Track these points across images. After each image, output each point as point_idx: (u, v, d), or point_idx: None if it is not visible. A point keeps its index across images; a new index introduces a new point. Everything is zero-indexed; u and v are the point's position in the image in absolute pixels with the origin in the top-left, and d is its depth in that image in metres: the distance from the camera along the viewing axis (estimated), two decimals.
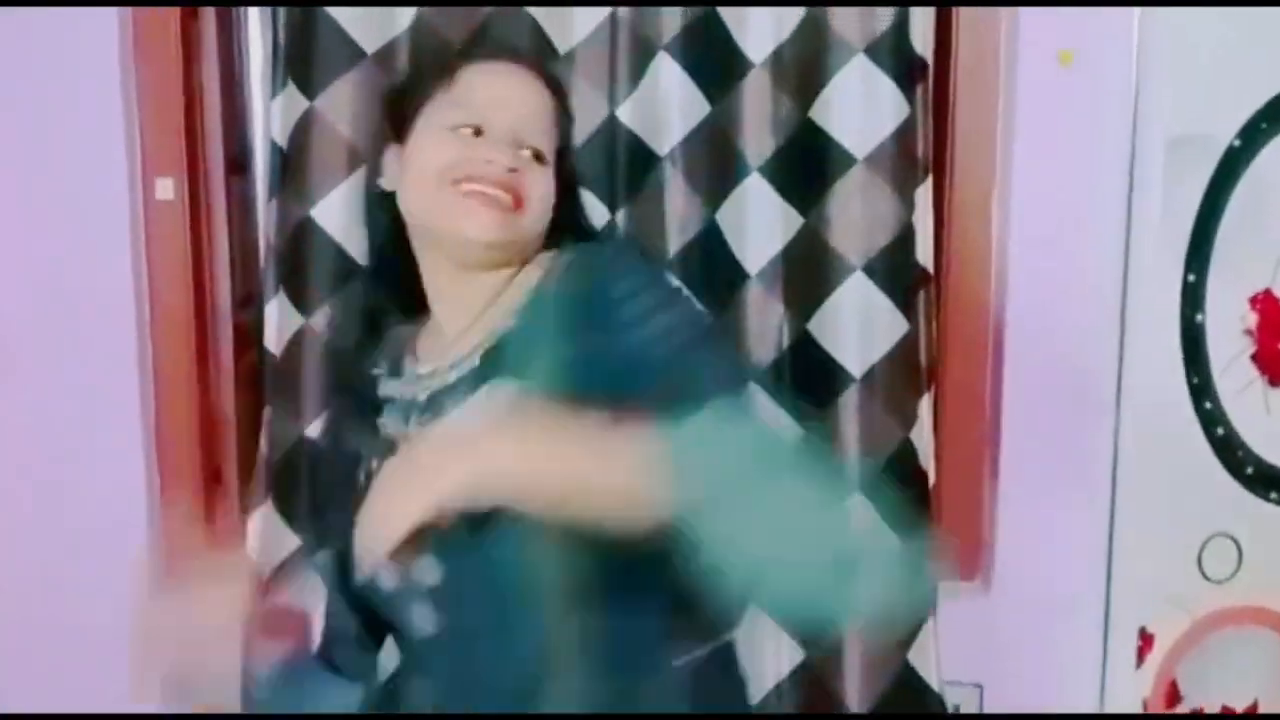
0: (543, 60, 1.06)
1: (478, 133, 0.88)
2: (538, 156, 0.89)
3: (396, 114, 0.93)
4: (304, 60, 1.43)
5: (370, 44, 1.43)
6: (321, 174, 1.43)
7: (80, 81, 1.50)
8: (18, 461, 1.57)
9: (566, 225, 0.93)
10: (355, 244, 1.43)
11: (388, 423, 0.90)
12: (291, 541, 1.47)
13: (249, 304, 1.68)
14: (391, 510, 0.72)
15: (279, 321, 1.47)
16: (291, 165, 1.45)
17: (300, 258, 1.45)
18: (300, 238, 1.44)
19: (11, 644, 1.60)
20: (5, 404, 1.56)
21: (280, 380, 1.47)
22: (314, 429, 1.44)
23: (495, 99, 0.90)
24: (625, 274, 0.85)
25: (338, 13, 1.41)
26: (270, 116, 1.47)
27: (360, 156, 1.41)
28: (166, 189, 1.52)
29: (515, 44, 1.15)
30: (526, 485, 0.72)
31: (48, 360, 1.55)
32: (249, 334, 1.65)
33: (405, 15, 1.43)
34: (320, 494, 1.01)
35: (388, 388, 0.92)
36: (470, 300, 0.90)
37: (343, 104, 1.42)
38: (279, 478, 1.47)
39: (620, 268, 0.87)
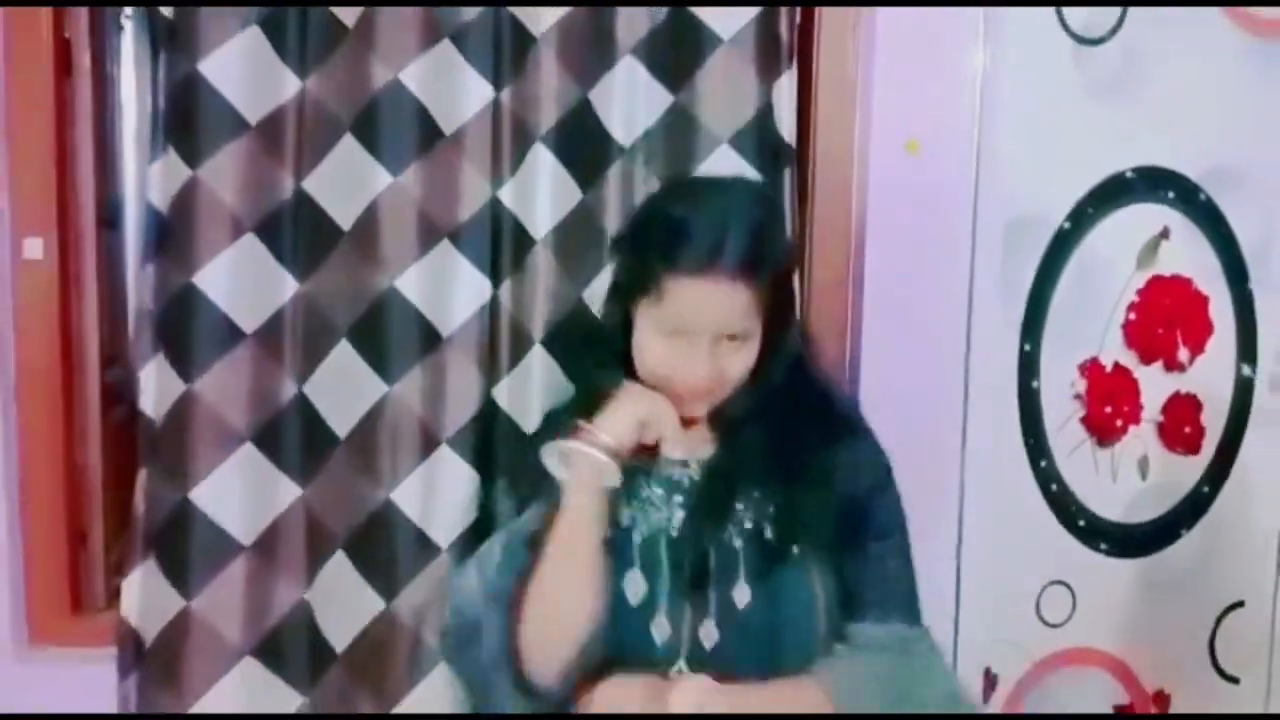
0: (745, 255, 1.10)
1: (687, 332, 1.11)
2: (734, 337, 1.13)
3: (624, 292, 1.18)
4: (186, 127, 1.53)
5: (253, 114, 1.55)
6: (204, 242, 1.54)
7: None
8: None
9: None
10: (239, 311, 1.56)
11: (653, 496, 1.16)
12: (174, 602, 1.57)
13: (114, 364, 1.77)
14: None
15: (157, 385, 1.57)
16: (173, 231, 1.55)
17: (182, 323, 1.55)
18: (182, 303, 1.55)
19: None
20: None
21: (160, 443, 1.57)
22: (198, 492, 1.55)
23: (697, 309, 1.10)
24: (891, 486, 1.22)
25: (219, 81, 1.53)
26: (149, 180, 1.57)
27: (244, 225, 1.55)
28: (35, 249, 1.61)
29: (714, 250, 1.11)
30: None
31: None
32: (115, 394, 1.74)
33: (289, 86, 1.56)
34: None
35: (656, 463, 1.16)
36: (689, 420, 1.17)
37: (226, 173, 1.53)
38: (162, 539, 1.56)
39: (889, 480, 1.22)
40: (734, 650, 1.10)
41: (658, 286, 1.11)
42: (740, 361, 1.14)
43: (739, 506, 1.14)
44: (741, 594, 1.10)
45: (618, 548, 1.11)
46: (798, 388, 1.20)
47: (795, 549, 1.13)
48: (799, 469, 1.15)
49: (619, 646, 1.09)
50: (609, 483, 1.09)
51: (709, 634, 1.09)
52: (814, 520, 1.14)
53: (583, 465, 1.09)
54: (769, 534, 1.13)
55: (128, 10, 1.76)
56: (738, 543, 1.12)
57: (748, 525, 1.14)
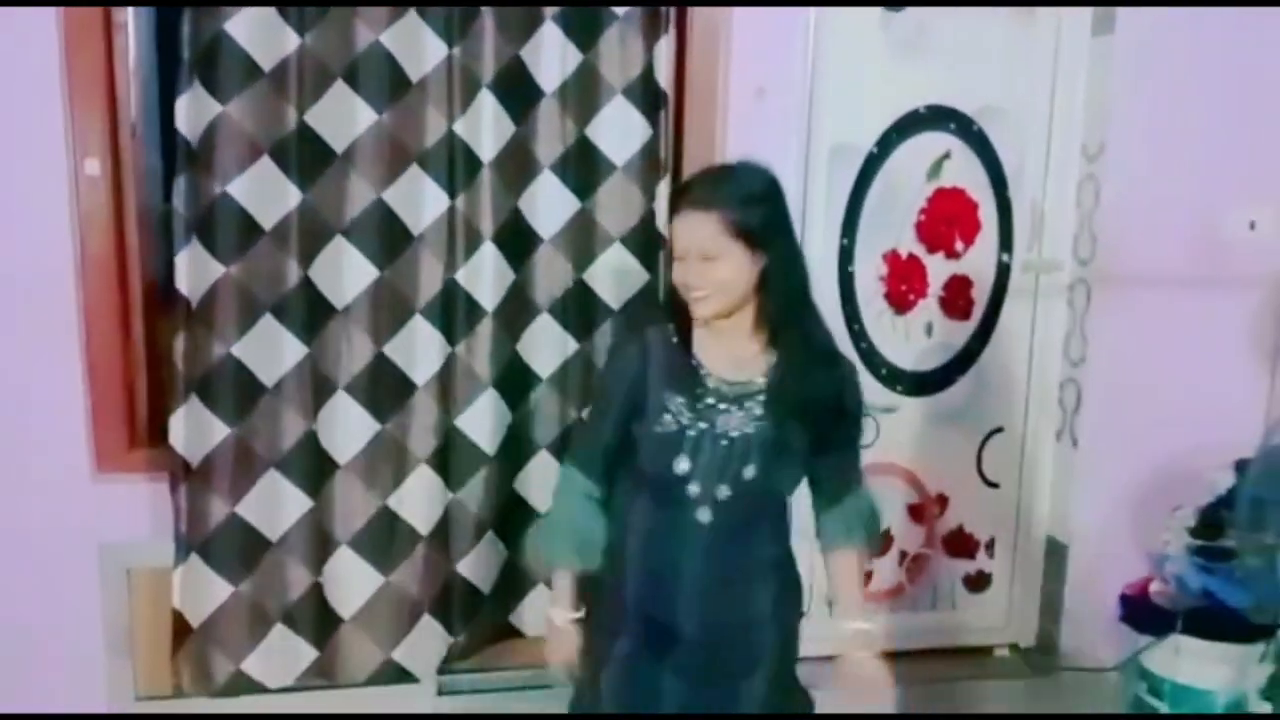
0: (715, 197, 1.62)
1: (683, 256, 1.65)
2: (709, 257, 1.62)
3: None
4: (216, 72, 2.07)
5: (266, 63, 2.10)
6: (231, 160, 2.10)
7: (23, 82, 2.10)
8: None
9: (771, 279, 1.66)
10: (259, 213, 2.13)
11: (710, 399, 1.68)
12: (220, 430, 2.18)
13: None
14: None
15: (191, 269, 2.13)
16: (203, 152, 2.09)
17: (218, 222, 2.11)
18: (217, 208, 2.11)
19: None
20: None
21: (199, 313, 2.14)
22: (238, 347, 2.15)
23: (683, 236, 1.65)
24: (857, 383, 1.77)
25: (240, 38, 2.06)
26: (177, 111, 2.10)
27: (260, 148, 2.11)
28: (94, 167, 2.15)
29: (687, 196, 1.66)
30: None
31: (4, 306, 2.16)
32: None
33: (291, 42, 2.12)
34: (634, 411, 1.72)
35: (710, 380, 1.70)
36: (721, 334, 1.69)
37: (247, 108, 2.10)
38: (208, 383, 2.16)
39: (859, 393, 1.78)
40: (736, 500, 1.68)
41: (670, 229, 1.70)
42: (716, 273, 1.63)
43: (758, 415, 1.68)
44: (749, 470, 1.68)
45: (674, 439, 1.67)
46: (806, 334, 1.71)
47: (791, 446, 1.68)
48: (812, 392, 1.68)
49: (663, 498, 1.69)
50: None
51: (722, 493, 1.68)
52: (814, 424, 1.69)
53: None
54: (772, 435, 1.68)
55: None
56: (752, 443, 1.67)
57: (757, 435, 1.68)
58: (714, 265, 1.63)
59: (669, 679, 1.72)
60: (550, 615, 1.80)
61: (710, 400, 1.69)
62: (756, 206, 1.66)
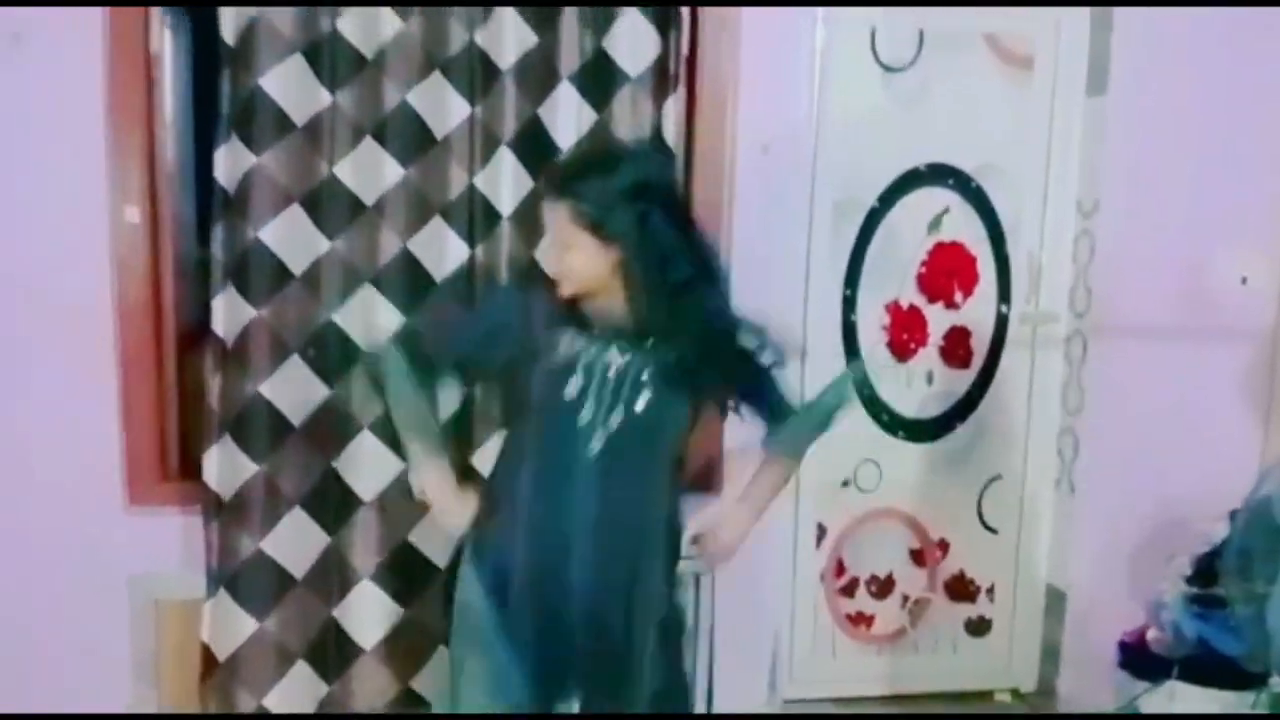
0: (567, 187, 1.70)
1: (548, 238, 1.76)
2: (563, 245, 1.71)
3: None
4: (251, 126, 2.21)
5: (299, 118, 2.24)
6: (266, 209, 2.23)
7: (69, 134, 2.24)
8: (24, 414, 2.33)
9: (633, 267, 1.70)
10: (290, 257, 2.26)
11: (592, 351, 1.73)
12: (250, 468, 2.29)
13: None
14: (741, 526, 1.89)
15: (226, 312, 2.26)
16: (236, 201, 2.22)
17: (251, 267, 2.24)
18: (250, 253, 2.24)
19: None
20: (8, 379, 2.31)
21: (233, 354, 2.26)
22: (267, 387, 2.27)
23: (548, 222, 1.76)
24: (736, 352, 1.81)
25: (275, 93, 2.20)
26: (216, 162, 2.24)
27: (292, 198, 2.25)
28: (134, 215, 2.28)
29: (551, 184, 1.78)
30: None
31: (46, 346, 2.29)
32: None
33: (324, 99, 2.26)
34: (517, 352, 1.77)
35: (598, 324, 1.74)
36: (599, 305, 1.73)
37: (280, 161, 2.23)
38: (240, 422, 2.28)
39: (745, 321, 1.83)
40: (628, 431, 1.71)
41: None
42: (567, 260, 1.71)
43: (647, 355, 1.73)
44: (641, 402, 1.72)
45: (566, 366, 1.71)
46: (681, 320, 1.72)
47: (675, 385, 1.74)
48: (696, 371, 1.74)
49: (553, 432, 1.72)
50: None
51: (615, 420, 1.72)
52: (698, 370, 1.74)
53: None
54: (659, 376, 1.72)
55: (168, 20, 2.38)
56: (644, 376, 1.73)
57: (650, 368, 1.73)
58: (567, 253, 1.71)
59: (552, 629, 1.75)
60: (426, 474, 1.81)
61: (599, 336, 1.72)
62: (612, 201, 1.66)
